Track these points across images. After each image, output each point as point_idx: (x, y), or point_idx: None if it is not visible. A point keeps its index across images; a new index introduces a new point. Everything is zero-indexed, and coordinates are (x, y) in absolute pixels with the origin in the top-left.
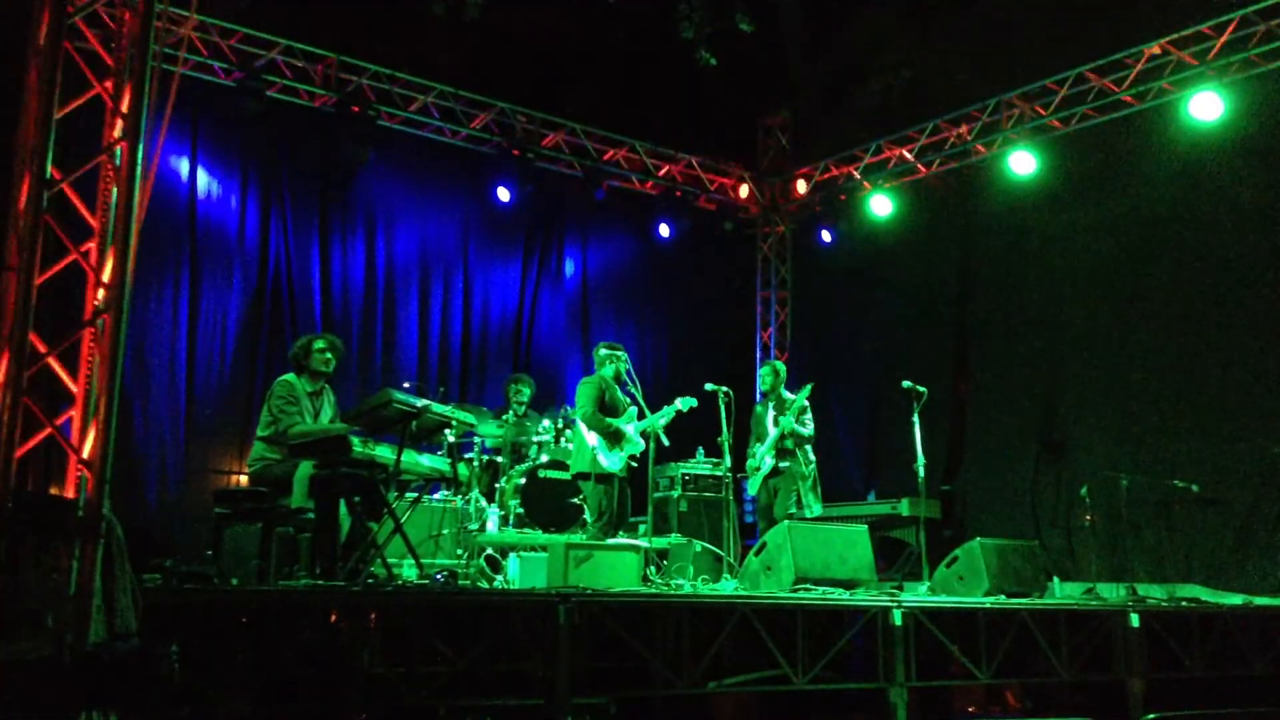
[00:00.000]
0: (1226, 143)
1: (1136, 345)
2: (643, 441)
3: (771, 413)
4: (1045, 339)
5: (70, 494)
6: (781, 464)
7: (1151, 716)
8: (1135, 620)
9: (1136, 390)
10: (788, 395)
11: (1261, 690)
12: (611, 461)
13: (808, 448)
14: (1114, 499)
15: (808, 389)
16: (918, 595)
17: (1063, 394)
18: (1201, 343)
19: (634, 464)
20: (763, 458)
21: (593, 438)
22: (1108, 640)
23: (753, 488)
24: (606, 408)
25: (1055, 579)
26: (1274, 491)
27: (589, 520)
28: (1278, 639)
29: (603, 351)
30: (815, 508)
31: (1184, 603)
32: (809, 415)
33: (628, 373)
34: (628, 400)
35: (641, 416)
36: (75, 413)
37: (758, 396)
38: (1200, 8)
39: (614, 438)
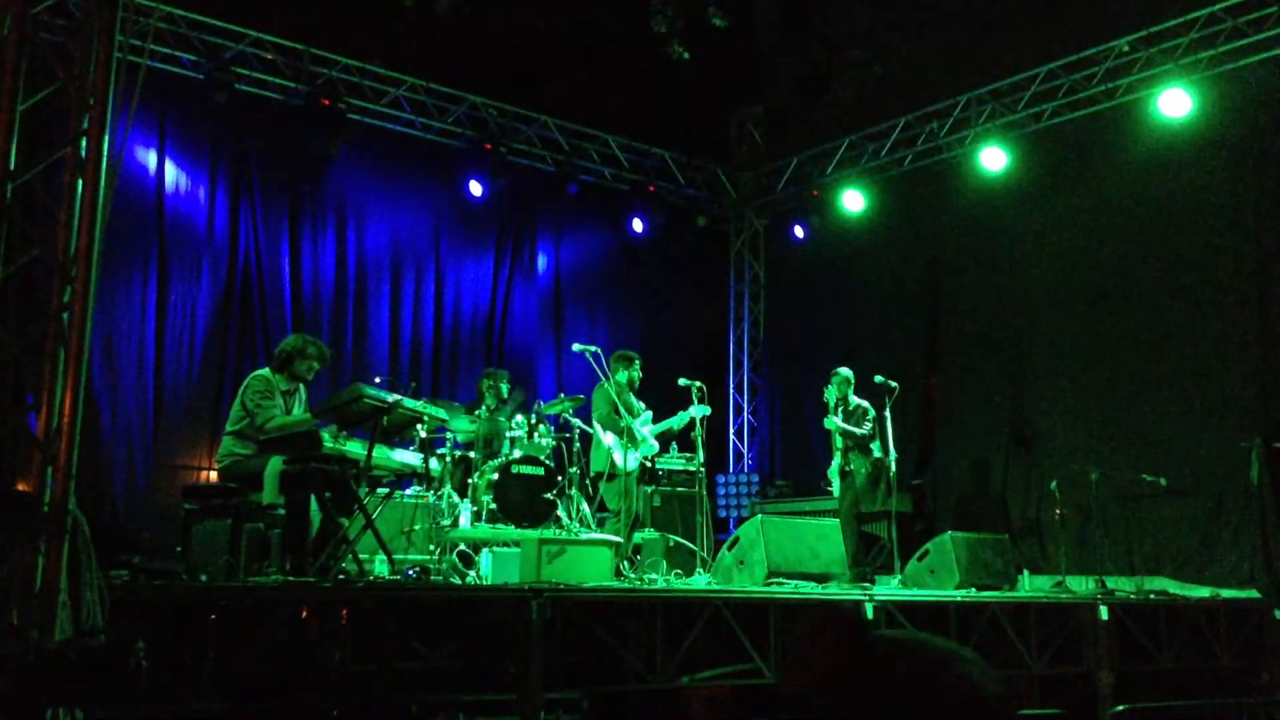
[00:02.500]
0: (1194, 139)
1: (1105, 340)
2: (656, 444)
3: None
4: (1015, 334)
5: (36, 490)
6: (848, 466)
7: (1120, 708)
8: (1104, 613)
9: (1105, 384)
10: (854, 400)
11: (1229, 682)
12: (628, 461)
13: (871, 447)
14: (1083, 492)
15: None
16: (889, 589)
17: (1032, 388)
18: (1169, 337)
19: (648, 464)
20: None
21: (609, 438)
22: (1077, 633)
23: (835, 490)
24: (621, 411)
25: (1025, 572)
26: (1240, 484)
27: (602, 515)
28: (1244, 631)
29: (618, 358)
30: (865, 504)
31: (1152, 595)
32: (865, 415)
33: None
34: (641, 405)
35: (656, 421)
36: (40, 408)
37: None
38: (1169, 5)
39: (629, 438)
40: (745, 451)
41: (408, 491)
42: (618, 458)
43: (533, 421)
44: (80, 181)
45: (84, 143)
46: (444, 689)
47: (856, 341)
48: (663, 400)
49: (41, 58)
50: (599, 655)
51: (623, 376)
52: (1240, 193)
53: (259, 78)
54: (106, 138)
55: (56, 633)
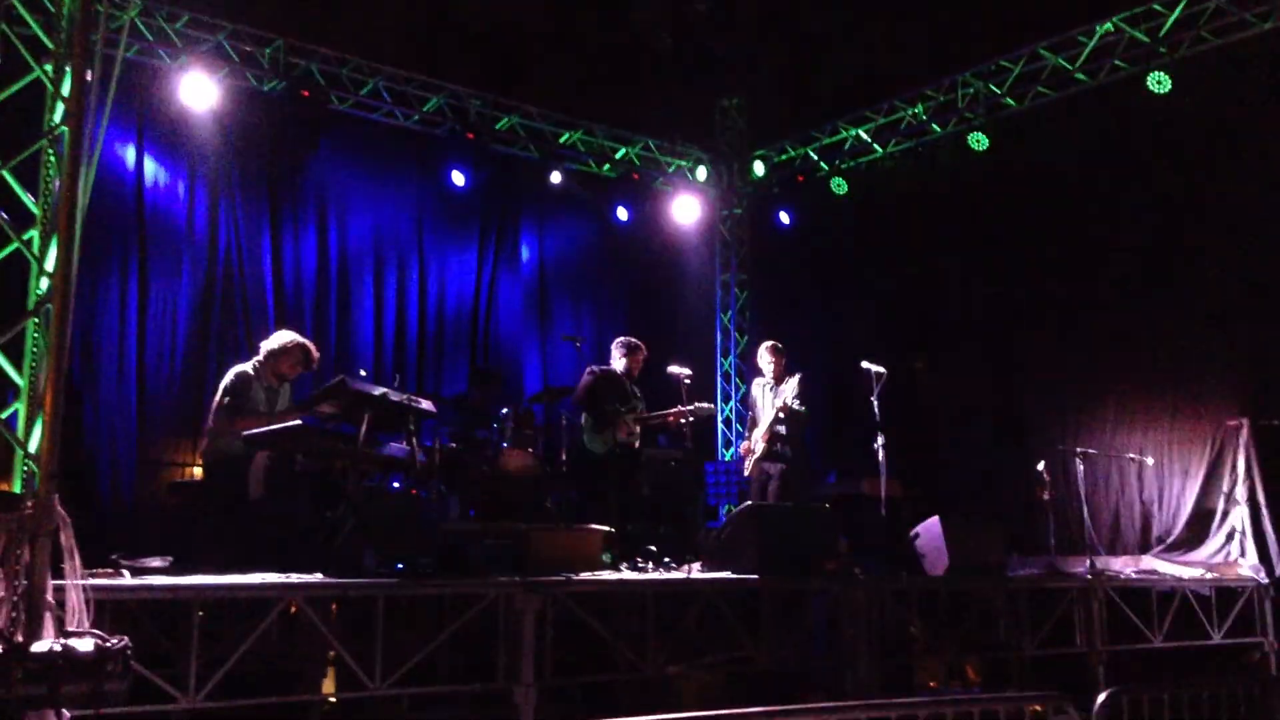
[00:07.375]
0: (1176, 119)
1: (1090, 322)
2: (635, 429)
3: (769, 395)
4: (1001, 317)
5: (17, 489)
6: (775, 446)
7: (1113, 689)
8: (1095, 594)
9: (1092, 366)
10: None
11: (1220, 659)
12: (595, 445)
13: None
14: (1071, 473)
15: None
16: (881, 574)
17: (1020, 370)
18: (1154, 320)
19: (616, 451)
20: (757, 440)
21: (584, 421)
22: (1068, 614)
23: (748, 468)
24: (602, 397)
25: (1015, 554)
26: (1227, 464)
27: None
28: (1233, 610)
29: (618, 345)
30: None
31: (1143, 576)
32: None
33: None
34: (635, 394)
35: (646, 411)
36: (20, 405)
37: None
38: None
39: (601, 422)
40: (734, 439)
41: (395, 485)
42: (587, 441)
43: (520, 413)
44: (57, 175)
45: (60, 135)
46: (435, 682)
47: (843, 326)
48: (649, 388)
49: (17, 50)
50: (591, 645)
51: (619, 365)
52: (1222, 173)
53: (237, 69)
54: (84, 130)
55: (42, 634)
